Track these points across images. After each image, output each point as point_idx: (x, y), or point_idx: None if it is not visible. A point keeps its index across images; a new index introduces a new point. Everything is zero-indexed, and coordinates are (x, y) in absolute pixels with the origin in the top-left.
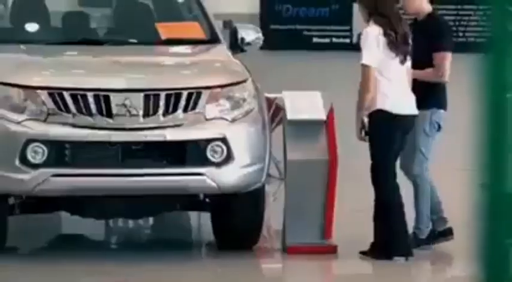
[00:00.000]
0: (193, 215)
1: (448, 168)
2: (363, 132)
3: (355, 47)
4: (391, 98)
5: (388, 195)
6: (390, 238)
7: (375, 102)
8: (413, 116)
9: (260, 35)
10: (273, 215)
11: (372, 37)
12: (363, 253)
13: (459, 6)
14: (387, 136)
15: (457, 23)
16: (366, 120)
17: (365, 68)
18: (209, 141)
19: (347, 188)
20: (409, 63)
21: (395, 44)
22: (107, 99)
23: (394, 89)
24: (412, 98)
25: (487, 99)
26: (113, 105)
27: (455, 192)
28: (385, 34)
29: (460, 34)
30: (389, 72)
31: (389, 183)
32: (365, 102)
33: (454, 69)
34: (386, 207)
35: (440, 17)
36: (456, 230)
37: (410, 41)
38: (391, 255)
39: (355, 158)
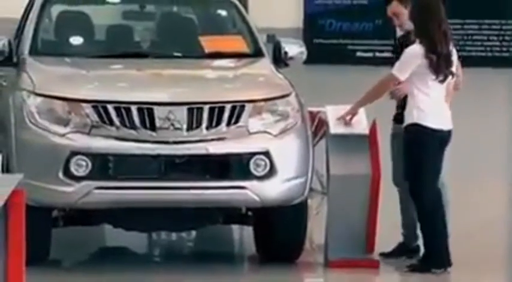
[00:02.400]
0: (235, 229)
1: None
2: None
3: None
4: (428, 113)
5: (430, 208)
6: (433, 250)
7: (412, 117)
8: (449, 131)
9: (304, 49)
10: (316, 229)
11: (414, 55)
12: (409, 267)
13: (503, 21)
14: (425, 148)
15: (500, 38)
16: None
17: (390, 76)
18: (252, 155)
19: (390, 202)
20: (452, 80)
21: (435, 66)
22: (150, 112)
23: (432, 104)
24: (448, 114)
25: None
26: (156, 118)
27: (499, 206)
28: (426, 57)
29: (504, 49)
30: (427, 88)
31: (430, 195)
32: (369, 102)
33: (496, 84)
34: (428, 221)
35: None
36: (496, 240)
37: (454, 61)
38: (432, 267)
39: None
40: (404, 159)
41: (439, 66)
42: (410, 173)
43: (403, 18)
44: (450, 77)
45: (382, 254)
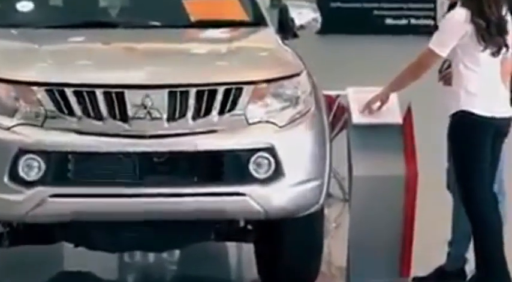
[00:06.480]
0: (231, 247)
1: None
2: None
3: None
4: (480, 97)
5: (484, 216)
6: (487, 270)
7: (458, 101)
8: (508, 119)
9: (317, 15)
10: (335, 247)
11: (454, 23)
12: None
13: None
14: (476, 143)
15: None
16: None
17: (428, 53)
18: (252, 151)
19: (429, 210)
20: (508, 54)
21: (484, 34)
22: (121, 98)
23: (484, 87)
24: (505, 97)
25: None
26: (128, 105)
27: None
28: (473, 21)
29: None
30: (478, 66)
31: (484, 201)
32: (403, 86)
33: None
34: (482, 233)
35: None
36: None
37: (509, 29)
38: None
39: (438, 170)
40: (452, 157)
41: (489, 33)
42: (459, 173)
43: None
44: (505, 49)
45: (416, 279)
